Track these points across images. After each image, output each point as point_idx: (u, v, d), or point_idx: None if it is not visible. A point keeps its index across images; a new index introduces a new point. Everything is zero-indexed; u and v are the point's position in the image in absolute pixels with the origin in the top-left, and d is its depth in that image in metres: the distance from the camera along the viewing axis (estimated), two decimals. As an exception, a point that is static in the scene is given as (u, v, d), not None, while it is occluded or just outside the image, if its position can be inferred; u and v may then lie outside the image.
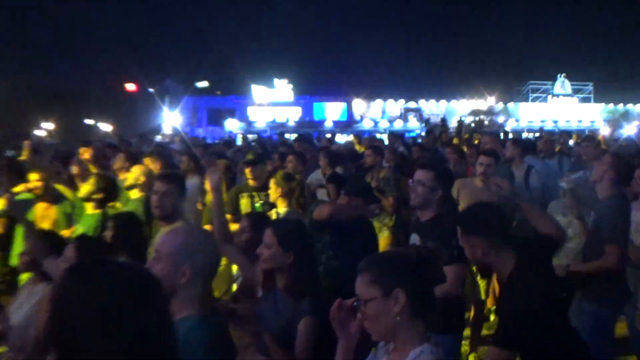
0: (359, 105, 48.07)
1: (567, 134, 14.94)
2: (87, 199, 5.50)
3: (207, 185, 4.87)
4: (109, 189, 5.56)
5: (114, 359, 1.41)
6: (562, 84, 52.57)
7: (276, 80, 46.21)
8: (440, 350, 2.14)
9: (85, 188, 5.56)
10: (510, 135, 19.27)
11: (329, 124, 44.42)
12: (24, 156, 6.44)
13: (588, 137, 11.61)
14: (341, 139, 26.13)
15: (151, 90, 40.00)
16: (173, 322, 1.61)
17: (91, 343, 1.40)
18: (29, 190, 6.79)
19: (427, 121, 39.69)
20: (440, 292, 3.77)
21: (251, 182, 6.31)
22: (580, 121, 48.34)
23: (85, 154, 7.19)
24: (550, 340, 3.07)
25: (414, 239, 4.18)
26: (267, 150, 11.49)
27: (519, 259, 3.08)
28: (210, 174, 4.18)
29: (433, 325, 2.21)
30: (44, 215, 6.60)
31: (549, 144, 10.31)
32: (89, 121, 41.34)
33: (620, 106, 53.33)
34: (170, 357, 1.54)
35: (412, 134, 31.31)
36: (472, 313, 6.07)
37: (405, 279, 2.11)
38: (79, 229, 5.48)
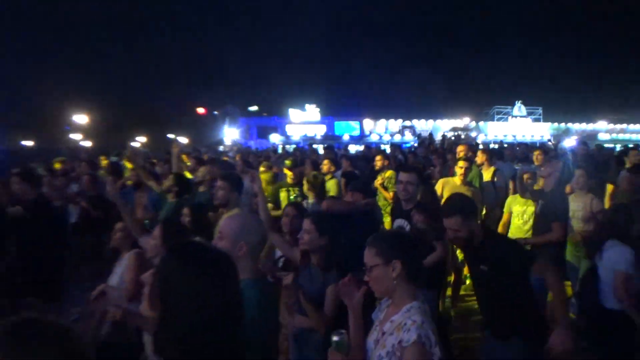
0: (368, 123, 47.89)
1: (524, 145, 14.81)
2: (167, 190, 5.55)
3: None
4: (183, 184, 5.61)
5: (201, 318, 1.41)
6: (519, 108, 51.90)
7: (307, 105, 46.37)
8: (426, 306, 2.12)
9: (166, 183, 5.61)
10: (481, 146, 19.03)
11: (346, 138, 44.30)
12: (129, 153, 6.53)
13: (539, 147, 11.55)
14: (354, 148, 26.09)
15: (216, 112, 40.36)
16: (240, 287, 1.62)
17: (187, 304, 1.41)
18: (125, 185, 6.90)
19: (419, 135, 39.21)
20: (434, 258, 3.92)
21: (290, 180, 6.34)
22: (532, 136, 47.70)
23: (176, 148, 7.22)
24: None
25: (400, 222, 4.31)
26: (302, 157, 11.42)
27: (484, 227, 3.25)
28: (252, 181, 4.16)
29: (422, 283, 2.20)
30: (139, 202, 6.70)
31: (512, 152, 10.32)
32: (170, 135, 41.78)
33: (563, 124, 52.69)
34: (239, 313, 1.55)
35: (407, 145, 30.99)
36: (452, 277, 6.01)
37: (402, 252, 2.10)
38: (162, 213, 5.55)
